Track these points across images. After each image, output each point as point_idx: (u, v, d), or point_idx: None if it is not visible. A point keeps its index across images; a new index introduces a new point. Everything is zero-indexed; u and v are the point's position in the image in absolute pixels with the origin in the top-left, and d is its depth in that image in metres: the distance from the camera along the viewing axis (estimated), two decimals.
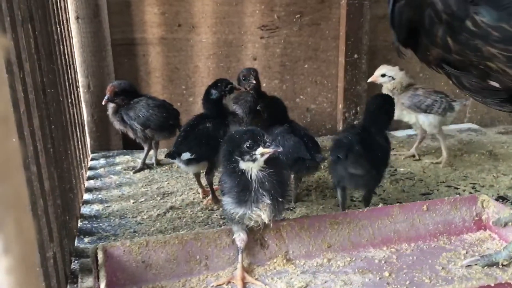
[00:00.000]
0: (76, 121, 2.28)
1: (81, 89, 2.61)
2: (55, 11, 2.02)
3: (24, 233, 0.30)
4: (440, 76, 3.16)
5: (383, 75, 2.54)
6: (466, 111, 3.28)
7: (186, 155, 1.95)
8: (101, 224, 1.95)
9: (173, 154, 1.96)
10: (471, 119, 3.29)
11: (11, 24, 1.23)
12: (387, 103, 1.99)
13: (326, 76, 3.01)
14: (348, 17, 2.85)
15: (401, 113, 2.50)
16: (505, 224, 1.63)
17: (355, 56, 2.93)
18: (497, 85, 1.28)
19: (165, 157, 2.09)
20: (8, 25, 1.22)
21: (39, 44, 1.57)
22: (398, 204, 1.74)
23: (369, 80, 2.63)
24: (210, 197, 2.10)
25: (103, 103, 2.35)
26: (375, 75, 2.57)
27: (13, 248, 0.28)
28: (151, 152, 2.55)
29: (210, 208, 2.07)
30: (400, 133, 3.10)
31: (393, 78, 2.52)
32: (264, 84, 2.93)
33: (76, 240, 1.82)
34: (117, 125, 2.44)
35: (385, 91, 2.55)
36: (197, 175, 2.14)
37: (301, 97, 3.03)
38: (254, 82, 2.34)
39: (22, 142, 1.22)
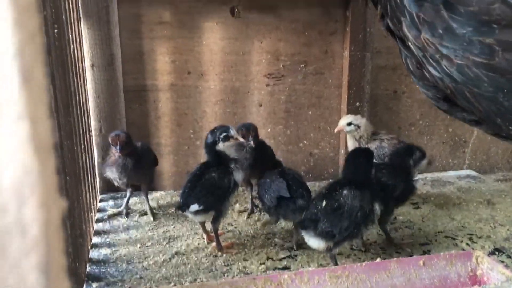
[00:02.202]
0: (88, 165, 2.37)
1: (93, 133, 2.72)
2: (73, 63, 2.14)
3: None
4: (439, 123, 3.28)
5: (349, 124, 2.63)
6: (465, 157, 3.37)
7: (194, 207, 2.04)
8: (108, 269, 2.02)
9: (183, 207, 2.05)
10: (470, 166, 3.37)
11: None
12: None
13: (329, 123, 3.12)
14: (350, 67, 2.97)
15: None
16: None
17: (357, 104, 3.03)
18: (427, 75, 1.38)
19: (175, 210, 2.18)
20: None
21: (59, 101, 1.68)
22: (395, 259, 1.80)
23: (335, 130, 2.72)
24: (214, 243, 2.17)
25: (119, 155, 2.39)
26: (341, 125, 2.65)
27: None
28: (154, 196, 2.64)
29: (214, 254, 2.14)
30: None
31: (358, 127, 2.62)
32: (269, 130, 3.04)
33: (84, 286, 1.89)
34: (116, 174, 2.46)
35: (351, 140, 2.65)
36: (202, 222, 2.21)
37: (305, 142, 3.13)
38: (253, 146, 2.39)
39: (60, 199, 1.31)
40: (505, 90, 1.21)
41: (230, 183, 2.14)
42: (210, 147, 2.18)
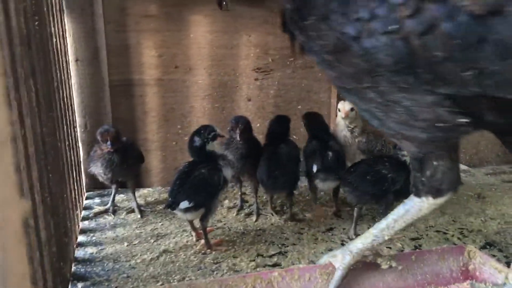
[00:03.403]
0: (73, 162, 2.31)
1: (78, 129, 2.65)
2: (56, 57, 2.08)
3: None
4: None
5: (352, 109, 2.55)
6: None
7: (184, 204, 1.98)
8: (94, 269, 1.96)
9: (172, 205, 2.00)
10: (460, 160, 3.34)
11: (14, 85, 1.28)
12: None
13: None
14: None
15: (353, 156, 2.56)
16: None
17: None
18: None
19: (164, 208, 2.18)
20: (11, 86, 1.27)
21: (40, 96, 1.62)
22: None
23: (343, 117, 2.57)
24: (203, 241, 2.13)
25: (111, 150, 2.31)
26: (347, 109, 2.54)
27: None
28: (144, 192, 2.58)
29: (203, 252, 2.10)
30: None
31: (356, 113, 2.59)
32: (258, 124, 3.00)
33: (69, 286, 1.83)
34: (101, 169, 2.40)
35: (343, 132, 2.59)
36: (190, 220, 2.17)
37: (294, 137, 3.08)
38: (239, 139, 2.35)
39: (21, 199, 1.25)
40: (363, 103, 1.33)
41: (220, 180, 2.11)
42: (199, 149, 2.14)
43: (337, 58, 1.24)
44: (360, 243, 1.62)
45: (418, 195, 1.46)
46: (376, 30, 1.10)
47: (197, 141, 2.14)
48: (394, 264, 1.67)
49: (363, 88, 1.27)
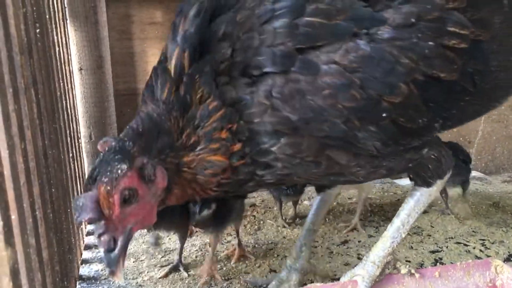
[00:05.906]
0: (77, 174, 2.23)
1: (82, 140, 2.58)
2: (59, 67, 2.00)
3: None
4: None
5: None
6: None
7: None
8: (100, 287, 1.88)
9: None
10: (476, 167, 3.25)
11: (13, 95, 1.20)
12: None
13: None
14: None
15: None
16: None
17: None
18: None
19: None
20: (11, 96, 1.19)
21: (42, 107, 1.54)
22: None
23: None
24: None
25: None
26: None
27: None
28: None
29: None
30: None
31: None
32: None
33: None
34: None
35: None
36: None
37: None
38: None
39: (22, 216, 1.17)
40: None
41: None
42: None
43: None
44: (381, 250, 1.56)
45: (429, 185, 1.51)
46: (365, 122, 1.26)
47: None
48: (413, 271, 1.58)
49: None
